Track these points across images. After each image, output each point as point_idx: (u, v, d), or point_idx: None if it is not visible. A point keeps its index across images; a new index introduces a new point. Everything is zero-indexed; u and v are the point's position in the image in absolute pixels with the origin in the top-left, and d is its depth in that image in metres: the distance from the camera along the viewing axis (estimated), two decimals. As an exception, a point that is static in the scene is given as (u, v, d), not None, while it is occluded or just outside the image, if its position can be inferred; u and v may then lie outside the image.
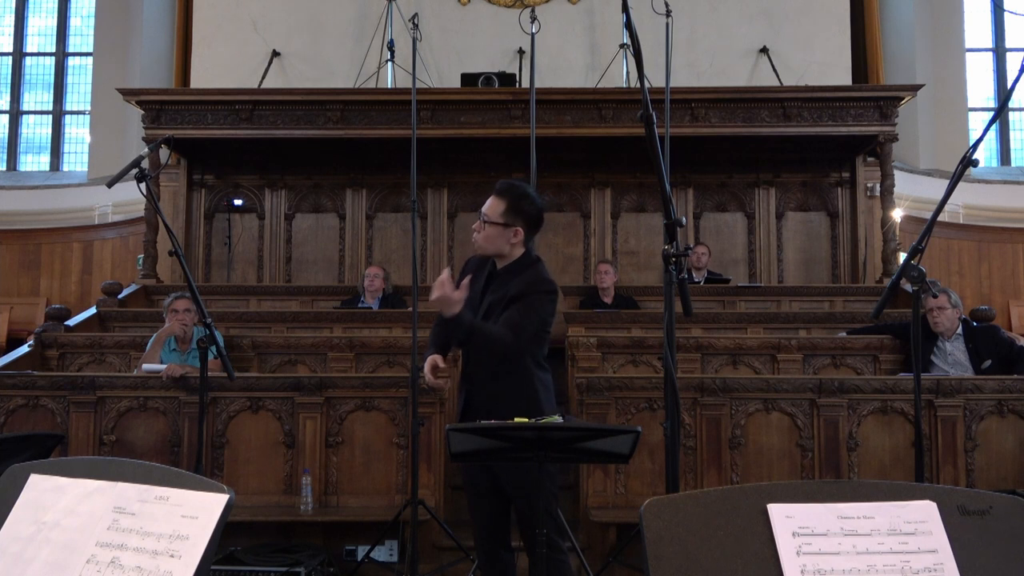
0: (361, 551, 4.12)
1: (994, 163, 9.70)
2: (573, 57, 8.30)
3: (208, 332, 3.25)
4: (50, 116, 10.12)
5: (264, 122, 7.25)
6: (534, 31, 5.26)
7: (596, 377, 4.35)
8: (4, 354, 5.53)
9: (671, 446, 2.26)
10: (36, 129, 10.18)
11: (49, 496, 1.34)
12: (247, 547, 3.97)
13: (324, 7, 8.43)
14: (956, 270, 8.78)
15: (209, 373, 3.44)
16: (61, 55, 10.14)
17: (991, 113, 9.41)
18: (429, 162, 7.11)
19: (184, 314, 4.80)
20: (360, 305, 6.42)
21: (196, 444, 3.97)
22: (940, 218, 2.67)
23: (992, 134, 9.55)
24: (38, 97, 10.21)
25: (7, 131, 10.06)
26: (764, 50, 8.26)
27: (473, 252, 2.90)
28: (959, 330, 4.78)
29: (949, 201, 2.66)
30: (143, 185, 3.06)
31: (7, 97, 10.10)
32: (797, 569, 1.16)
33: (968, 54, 9.50)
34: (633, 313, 6.14)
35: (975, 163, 2.56)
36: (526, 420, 2.38)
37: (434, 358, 2.79)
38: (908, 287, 2.56)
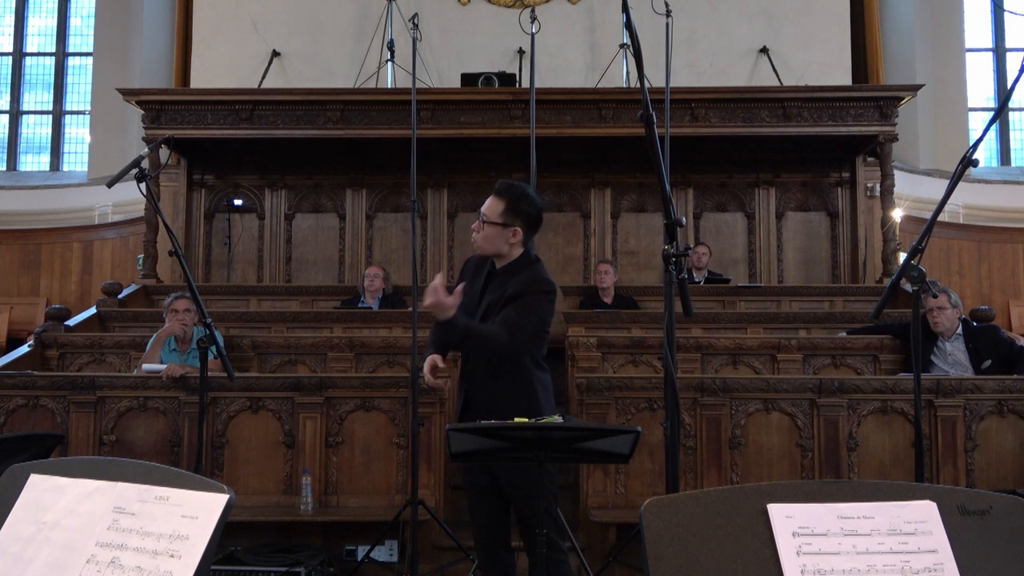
0: (361, 551, 4.12)
1: (994, 163, 9.70)
2: (573, 57, 8.30)
3: (208, 332, 3.25)
4: (50, 116, 10.12)
5: (264, 122, 7.25)
6: (534, 31, 5.26)
7: (596, 377, 4.35)
8: (4, 354, 5.53)
9: (671, 446, 2.26)
10: (36, 129, 10.18)
11: (49, 496, 1.34)
12: (247, 547, 3.98)
13: (324, 7, 8.43)
14: (956, 270, 8.78)
15: (209, 373, 3.44)
16: (61, 55, 10.14)
17: (991, 113, 9.41)
18: (429, 162, 7.11)
19: (184, 314, 4.80)
20: (360, 305, 6.42)
21: (196, 444, 3.97)
22: (940, 218, 2.67)
23: (992, 134, 9.55)
24: (38, 97, 10.21)
25: (7, 131, 10.06)
26: (764, 50, 8.26)
27: (473, 252, 2.90)
28: (959, 330, 4.78)
29: (949, 201, 2.66)
30: (143, 185, 3.06)
31: (7, 97, 10.10)
32: (797, 569, 1.16)
33: (968, 54, 9.50)
34: (633, 313, 6.14)
35: (975, 163, 2.56)
36: (526, 420, 2.39)
37: (433, 358, 2.79)
38: (908, 287, 2.56)
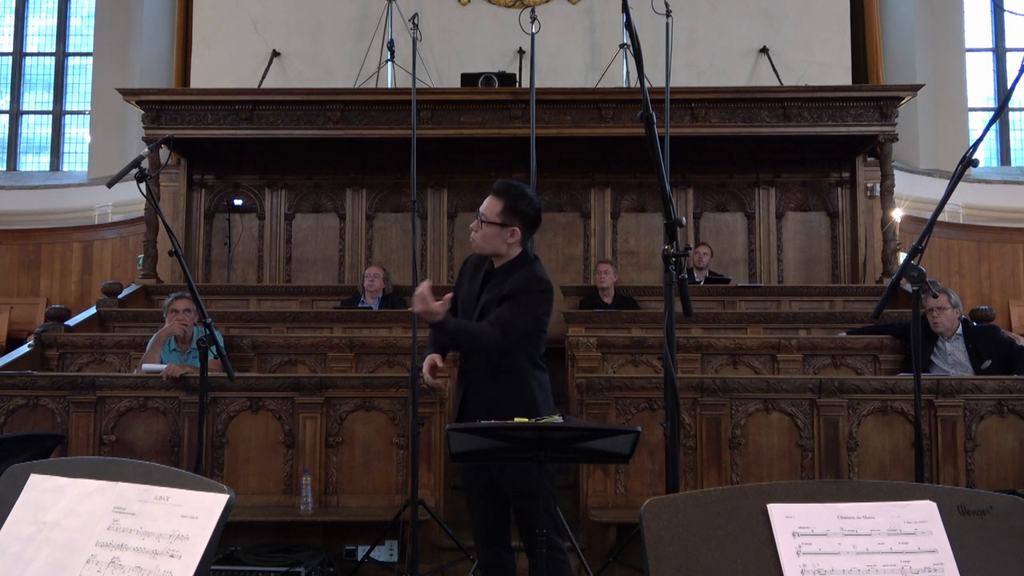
0: (361, 551, 4.12)
1: (994, 163, 9.70)
2: (573, 57, 8.30)
3: (208, 332, 3.25)
4: (50, 116, 10.12)
5: (264, 122, 7.25)
6: (534, 31, 5.26)
7: (596, 377, 4.35)
8: (4, 354, 5.53)
9: (671, 446, 2.26)
10: (36, 129, 10.18)
11: (49, 496, 1.34)
12: (247, 547, 3.97)
13: (324, 7, 8.43)
14: (956, 270, 8.78)
15: (209, 373, 3.44)
16: (61, 55, 10.14)
17: (991, 113, 9.41)
18: (429, 162, 7.11)
19: (184, 314, 4.80)
20: (360, 305, 6.42)
21: (196, 444, 3.97)
22: (940, 218, 2.67)
23: (992, 134, 9.55)
24: (38, 97, 10.21)
25: (7, 131, 10.06)
26: (764, 50, 8.26)
27: (472, 252, 2.91)
28: (959, 330, 4.77)
29: (949, 201, 2.66)
30: (143, 185, 3.06)
31: (7, 97, 10.10)
32: (797, 569, 1.16)
33: (968, 54, 9.50)
34: (633, 313, 6.14)
35: (975, 163, 2.56)
36: (526, 420, 2.38)
37: (432, 358, 2.79)
38: (908, 287, 2.56)
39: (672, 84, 5.88)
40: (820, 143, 7.48)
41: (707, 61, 8.26)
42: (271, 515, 4.16)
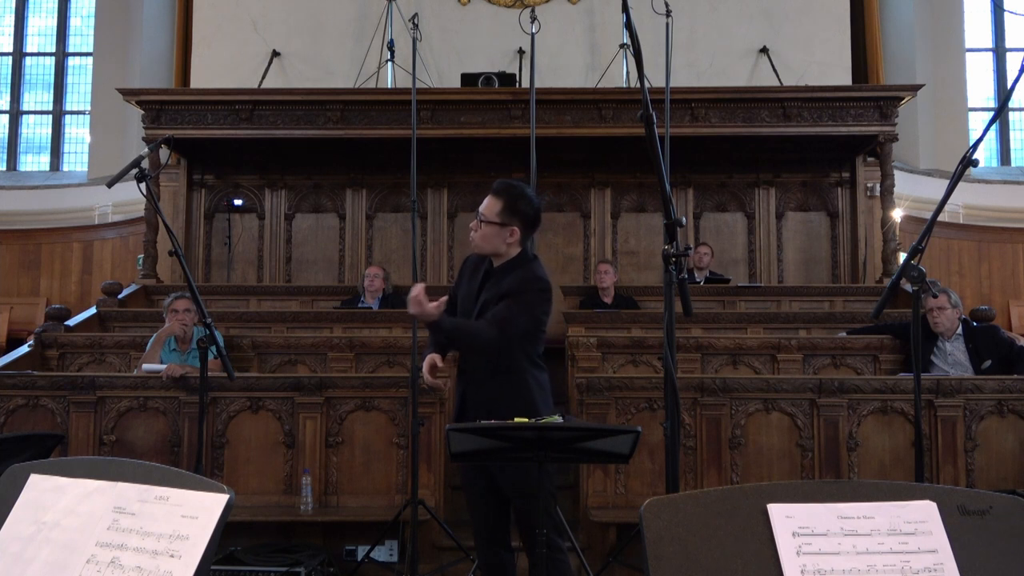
0: (361, 551, 4.12)
1: (994, 163, 9.70)
2: (573, 57, 8.30)
3: (208, 332, 3.25)
4: (50, 116, 10.12)
5: (264, 122, 7.25)
6: (534, 31, 5.26)
7: (596, 377, 4.35)
8: (4, 354, 5.53)
9: (671, 446, 2.26)
10: (36, 129, 10.18)
11: (49, 496, 1.34)
12: (247, 547, 3.97)
13: (324, 7, 8.43)
14: (956, 270, 8.78)
15: (209, 373, 3.44)
16: (61, 55, 10.14)
17: (991, 113, 9.41)
18: (429, 162, 7.11)
19: (184, 314, 4.80)
20: (360, 305, 6.42)
21: (196, 444, 3.97)
22: (940, 218, 2.67)
23: (992, 134, 9.55)
24: (38, 97, 10.21)
25: (7, 131, 10.06)
26: (764, 50, 8.26)
27: (472, 251, 2.91)
28: (959, 330, 4.77)
29: (949, 201, 2.66)
30: (143, 185, 3.06)
31: (7, 97, 10.10)
32: (797, 569, 1.16)
33: (968, 54, 9.50)
34: (633, 313, 6.14)
35: (975, 163, 2.56)
36: (526, 420, 2.38)
37: (432, 357, 2.79)
38: (908, 287, 2.56)
39: (672, 84, 5.89)
40: (820, 143, 7.48)
41: (707, 61, 8.26)
42: (271, 515, 4.16)
